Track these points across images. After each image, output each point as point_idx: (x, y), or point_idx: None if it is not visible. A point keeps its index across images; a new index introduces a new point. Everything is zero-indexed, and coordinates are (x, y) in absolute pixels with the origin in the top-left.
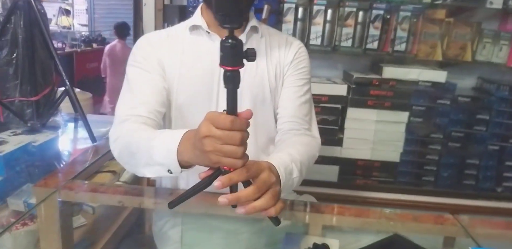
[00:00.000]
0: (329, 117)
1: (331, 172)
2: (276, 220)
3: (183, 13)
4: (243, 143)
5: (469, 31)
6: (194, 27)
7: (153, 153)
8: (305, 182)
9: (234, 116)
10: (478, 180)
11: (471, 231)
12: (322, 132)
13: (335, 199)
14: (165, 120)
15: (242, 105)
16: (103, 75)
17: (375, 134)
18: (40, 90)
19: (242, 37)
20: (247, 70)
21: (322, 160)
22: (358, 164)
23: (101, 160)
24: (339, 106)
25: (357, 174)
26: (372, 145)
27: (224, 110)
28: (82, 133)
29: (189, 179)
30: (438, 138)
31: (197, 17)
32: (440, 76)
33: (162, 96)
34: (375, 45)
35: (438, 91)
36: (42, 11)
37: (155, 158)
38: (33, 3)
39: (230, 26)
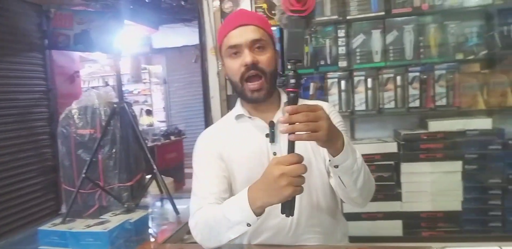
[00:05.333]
0: (385, 174)
1: (395, 227)
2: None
3: None
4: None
5: (506, 79)
6: (239, 116)
7: (229, 216)
8: (371, 239)
9: (296, 154)
10: None
11: None
12: (380, 188)
13: None
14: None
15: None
16: None
17: (432, 185)
18: (133, 176)
19: (279, 113)
20: None
21: (383, 215)
22: (421, 216)
23: (183, 228)
24: (392, 162)
25: (422, 226)
26: (431, 197)
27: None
28: (167, 209)
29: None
30: (497, 183)
31: (239, 108)
32: (485, 123)
33: (224, 184)
34: (417, 103)
35: (487, 138)
36: (133, 113)
37: (233, 219)
38: (127, 109)
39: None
